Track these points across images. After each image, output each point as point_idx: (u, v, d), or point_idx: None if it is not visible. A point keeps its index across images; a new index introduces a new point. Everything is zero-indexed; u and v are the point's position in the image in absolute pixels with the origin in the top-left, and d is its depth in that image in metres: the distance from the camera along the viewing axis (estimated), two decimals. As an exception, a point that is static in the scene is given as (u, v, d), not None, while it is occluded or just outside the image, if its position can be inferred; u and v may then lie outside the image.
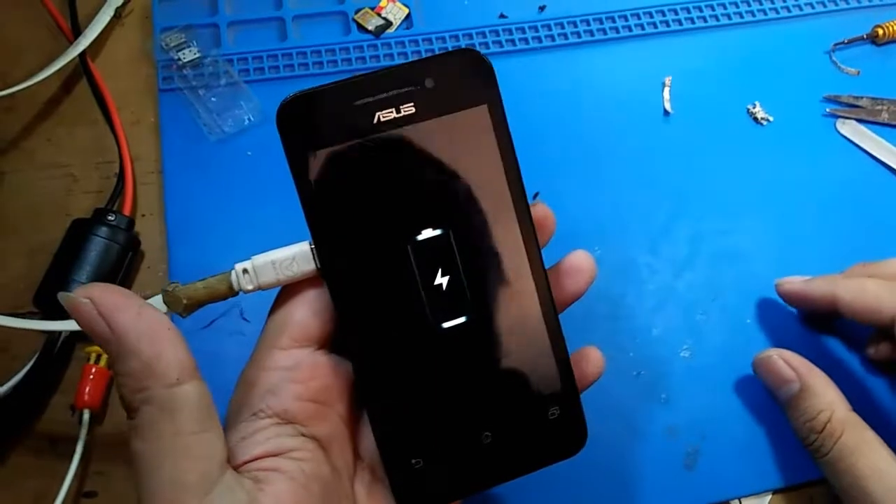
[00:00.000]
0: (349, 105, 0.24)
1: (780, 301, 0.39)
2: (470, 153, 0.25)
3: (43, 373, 0.36)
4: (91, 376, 0.35)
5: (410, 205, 0.25)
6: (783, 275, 0.41)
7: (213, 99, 0.43)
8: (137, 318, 0.21)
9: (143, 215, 0.41)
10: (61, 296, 0.22)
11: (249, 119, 0.43)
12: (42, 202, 0.41)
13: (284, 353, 0.25)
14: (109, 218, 0.38)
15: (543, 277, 0.26)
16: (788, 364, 0.35)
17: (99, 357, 0.36)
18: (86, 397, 0.35)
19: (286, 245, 0.25)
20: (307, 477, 0.23)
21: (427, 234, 0.25)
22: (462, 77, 0.24)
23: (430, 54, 0.46)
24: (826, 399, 0.34)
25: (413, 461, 0.25)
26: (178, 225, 0.40)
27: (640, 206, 0.43)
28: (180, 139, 0.43)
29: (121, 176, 0.41)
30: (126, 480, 0.35)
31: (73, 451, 0.34)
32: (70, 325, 0.34)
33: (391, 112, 0.24)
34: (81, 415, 0.35)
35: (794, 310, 0.40)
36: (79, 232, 0.38)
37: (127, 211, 0.40)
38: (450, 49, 0.47)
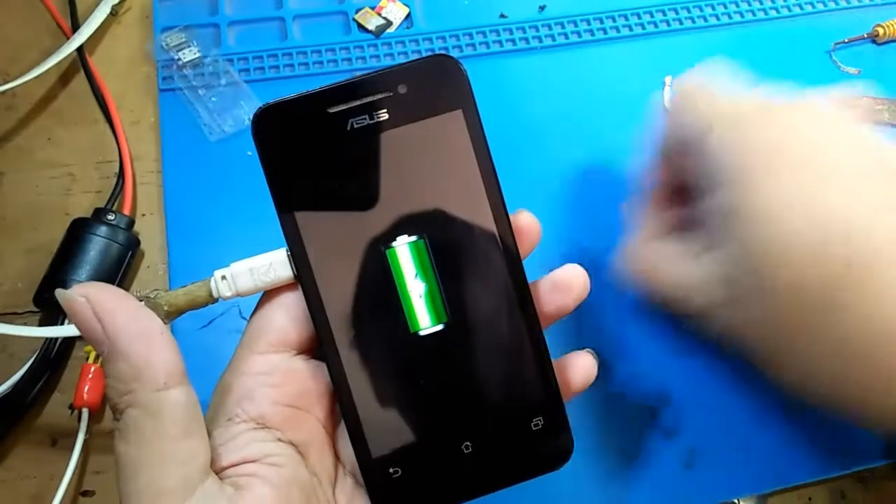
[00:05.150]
0: (322, 113, 0.24)
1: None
2: (445, 158, 0.24)
3: (42, 372, 0.36)
4: (90, 375, 0.35)
5: (386, 211, 0.24)
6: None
7: (213, 99, 0.43)
8: (131, 320, 0.21)
9: (143, 215, 0.41)
10: (58, 292, 0.22)
11: (249, 119, 0.43)
12: (42, 202, 0.41)
13: (262, 358, 0.24)
14: (109, 217, 0.39)
15: (524, 284, 0.25)
16: None
17: (98, 356, 0.36)
18: (84, 396, 0.35)
19: (285, 247, 0.25)
20: (287, 483, 0.23)
21: (403, 240, 0.24)
22: (435, 82, 0.24)
23: (429, 54, 0.46)
24: None
25: (391, 470, 0.25)
26: (177, 224, 0.40)
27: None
28: (180, 139, 0.43)
29: (121, 175, 0.41)
30: (125, 479, 0.35)
31: (72, 450, 0.34)
32: (65, 332, 0.34)
33: (364, 119, 0.24)
34: (80, 414, 0.35)
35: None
36: (79, 231, 0.38)
37: (127, 210, 0.40)
38: (450, 49, 0.47)
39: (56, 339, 0.36)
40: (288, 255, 0.24)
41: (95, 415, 0.36)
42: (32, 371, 0.35)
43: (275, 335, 0.25)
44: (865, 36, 0.49)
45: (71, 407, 0.35)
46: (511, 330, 0.25)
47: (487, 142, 0.25)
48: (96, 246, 0.38)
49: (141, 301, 0.24)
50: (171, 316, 0.25)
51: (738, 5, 0.50)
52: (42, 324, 0.38)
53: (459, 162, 0.25)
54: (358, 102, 0.24)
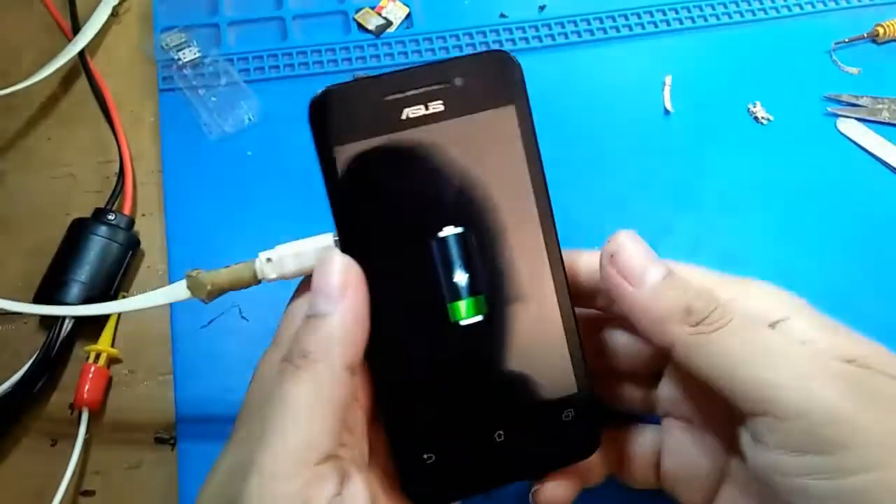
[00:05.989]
0: (379, 101, 0.24)
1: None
2: (495, 152, 0.25)
3: (42, 372, 0.36)
4: (90, 375, 0.35)
5: (434, 202, 0.25)
6: (784, 274, 0.41)
7: (213, 99, 0.43)
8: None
9: (143, 215, 0.41)
10: (335, 254, 0.24)
11: (249, 119, 0.43)
12: (42, 202, 0.41)
13: None
14: (109, 217, 0.39)
15: (563, 280, 0.26)
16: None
17: (98, 356, 0.36)
18: (84, 396, 0.35)
19: (332, 232, 0.25)
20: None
21: (448, 231, 0.25)
22: (491, 77, 0.25)
23: (430, 54, 0.47)
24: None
25: (424, 456, 0.25)
26: (177, 224, 0.40)
27: (640, 205, 0.43)
28: (180, 139, 0.43)
29: (121, 175, 0.41)
30: (124, 479, 0.35)
31: (72, 450, 0.34)
32: (66, 311, 0.34)
33: (420, 108, 0.24)
34: (80, 413, 0.35)
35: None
36: (79, 231, 0.38)
37: (127, 210, 0.40)
38: (450, 49, 0.47)
39: (56, 338, 0.36)
40: (335, 241, 0.25)
41: (95, 415, 0.35)
42: (32, 371, 0.35)
43: None
44: (865, 36, 0.49)
45: (71, 407, 0.35)
46: (548, 323, 0.26)
47: (537, 138, 0.25)
48: (96, 246, 0.37)
49: (185, 279, 0.26)
50: (212, 295, 0.26)
51: (738, 5, 0.50)
52: (42, 323, 0.38)
53: (508, 156, 0.25)
54: (415, 92, 0.24)
